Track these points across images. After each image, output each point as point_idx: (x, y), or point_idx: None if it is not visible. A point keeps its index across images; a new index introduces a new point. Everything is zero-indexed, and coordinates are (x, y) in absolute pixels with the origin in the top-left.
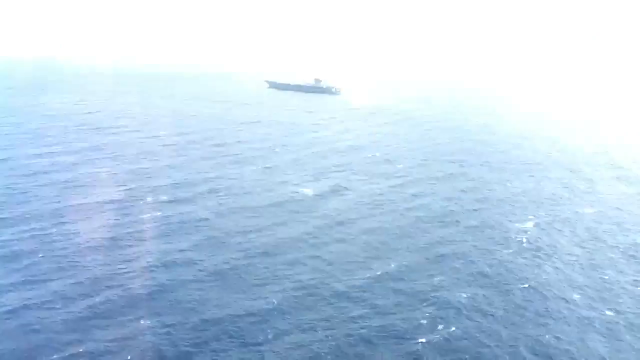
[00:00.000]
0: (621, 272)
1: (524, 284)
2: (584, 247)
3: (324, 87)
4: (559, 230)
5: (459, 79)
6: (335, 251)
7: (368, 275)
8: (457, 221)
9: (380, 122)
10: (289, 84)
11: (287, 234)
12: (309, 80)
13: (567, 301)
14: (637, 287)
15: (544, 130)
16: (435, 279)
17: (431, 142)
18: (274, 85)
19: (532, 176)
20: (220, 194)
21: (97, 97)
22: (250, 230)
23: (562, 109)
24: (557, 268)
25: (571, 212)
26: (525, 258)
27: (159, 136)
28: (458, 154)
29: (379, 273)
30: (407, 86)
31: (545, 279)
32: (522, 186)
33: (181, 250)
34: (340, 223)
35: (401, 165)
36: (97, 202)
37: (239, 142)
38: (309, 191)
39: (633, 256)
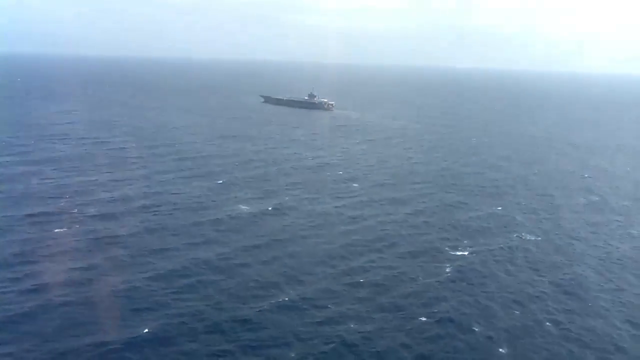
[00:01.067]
0: (541, 302)
1: (431, 317)
2: (515, 277)
3: (317, 102)
4: (496, 260)
5: (455, 91)
6: (241, 276)
7: (261, 305)
8: (391, 245)
9: (362, 139)
10: (282, 99)
11: (199, 256)
12: (303, 96)
13: (465, 333)
14: (555, 325)
15: (525, 152)
16: (332, 309)
17: (405, 162)
18: (269, 100)
19: (497, 200)
20: (153, 210)
21: (88, 106)
22: (162, 250)
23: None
24: (477, 301)
25: (518, 240)
26: (446, 288)
27: (126, 148)
28: (428, 175)
29: (274, 301)
30: (404, 105)
31: (458, 311)
32: (481, 210)
33: (79, 269)
34: (264, 245)
35: (359, 185)
36: (21, 215)
37: (205, 156)
38: (247, 210)
39: (561, 289)
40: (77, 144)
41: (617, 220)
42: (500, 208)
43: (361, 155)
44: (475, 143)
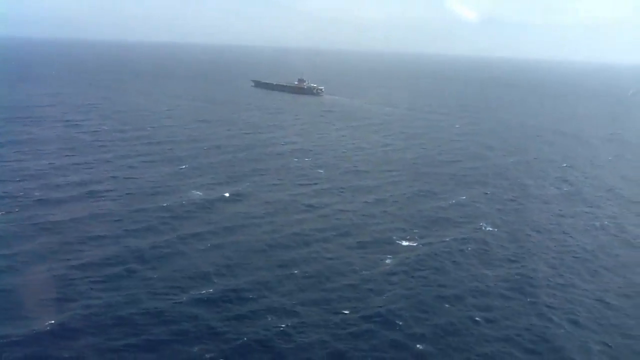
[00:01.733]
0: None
1: (358, 312)
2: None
3: (306, 87)
4: (446, 252)
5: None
6: (172, 265)
7: (182, 297)
8: (340, 235)
9: (344, 125)
10: (272, 84)
11: (135, 243)
12: (293, 81)
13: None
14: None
15: (510, 141)
16: (257, 302)
17: (382, 149)
18: (259, 85)
19: (466, 190)
20: (103, 195)
21: (75, 89)
22: (98, 237)
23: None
24: (412, 296)
25: (476, 232)
26: (384, 281)
27: (98, 132)
28: (401, 163)
29: (197, 293)
30: (398, 91)
31: (389, 306)
32: (446, 200)
33: (3, 256)
34: (206, 233)
35: (325, 172)
36: None
37: (176, 141)
38: (201, 196)
39: (508, 284)
40: (50, 126)
41: (586, 212)
42: (464, 197)
43: (338, 142)
44: (459, 131)
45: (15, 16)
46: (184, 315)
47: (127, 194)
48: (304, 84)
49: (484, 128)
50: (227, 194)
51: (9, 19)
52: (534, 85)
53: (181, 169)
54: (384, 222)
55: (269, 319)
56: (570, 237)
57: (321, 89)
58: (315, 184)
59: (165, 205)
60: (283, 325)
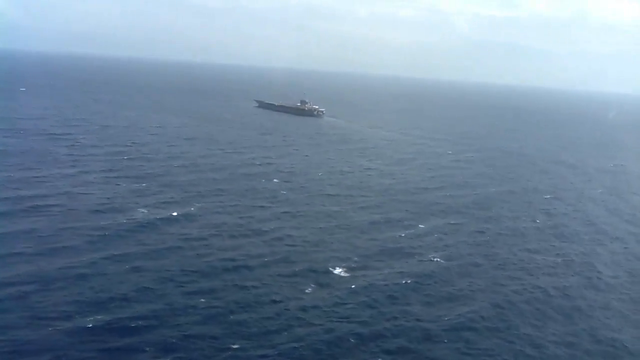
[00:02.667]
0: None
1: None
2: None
3: (306, 109)
4: (375, 286)
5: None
6: (75, 290)
7: (67, 325)
8: (275, 262)
9: (332, 148)
10: (274, 104)
11: (43, 264)
12: (295, 102)
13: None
14: None
15: (503, 170)
16: (155, 331)
17: (361, 173)
18: (262, 105)
19: (433, 220)
20: (43, 211)
21: (73, 103)
22: (10, 255)
23: None
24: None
25: (423, 265)
26: (291, 318)
27: (74, 146)
28: (374, 189)
29: (92, 319)
30: (402, 116)
31: (272, 347)
32: (404, 231)
33: None
34: (124, 255)
35: (288, 195)
36: None
37: (149, 158)
38: (144, 215)
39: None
40: (29, 139)
41: (556, 248)
42: (428, 227)
43: (319, 164)
44: (453, 157)
45: (39, 30)
46: (49, 347)
47: (69, 209)
48: (306, 105)
49: (481, 156)
50: (175, 214)
51: (29, 33)
52: (549, 113)
53: (141, 186)
54: (327, 250)
55: (147, 352)
56: (530, 274)
57: (322, 111)
58: (274, 206)
59: (103, 224)
60: None
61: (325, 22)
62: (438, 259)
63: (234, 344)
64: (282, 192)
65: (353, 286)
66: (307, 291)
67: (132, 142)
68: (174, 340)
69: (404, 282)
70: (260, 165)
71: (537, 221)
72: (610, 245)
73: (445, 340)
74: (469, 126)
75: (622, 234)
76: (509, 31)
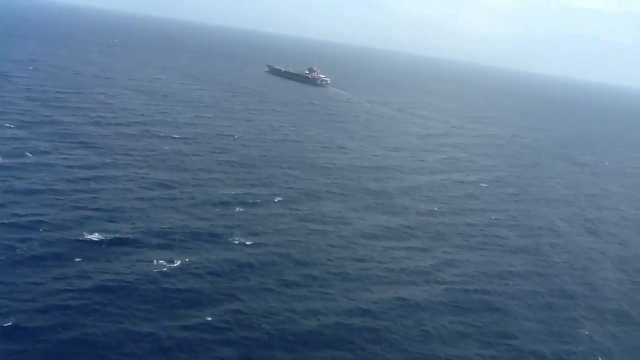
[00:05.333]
0: None
1: None
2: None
3: (311, 77)
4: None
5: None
6: None
7: None
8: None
9: (317, 118)
10: (281, 70)
11: None
12: (302, 70)
13: None
14: None
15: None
16: None
17: (317, 145)
18: (272, 71)
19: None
20: None
21: (74, 53)
22: None
23: None
24: None
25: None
26: None
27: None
28: (298, 161)
29: None
30: (419, 96)
31: None
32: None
33: None
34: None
35: (238, 157)
36: None
37: (129, 118)
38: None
39: None
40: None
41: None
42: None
43: (279, 133)
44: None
45: None
46: None
47: None
48: (313, 74)
49: (485, 148)
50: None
51: None
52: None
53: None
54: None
55: None
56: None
57: (326, 81)
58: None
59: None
60: None
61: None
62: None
63: None
64: (237, 160)
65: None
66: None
67: (83, 90)
68: None
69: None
70: (230, 134)
71: (518, 240)
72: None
73: None
74: (489, 115)
75: None
76: (600, 25)
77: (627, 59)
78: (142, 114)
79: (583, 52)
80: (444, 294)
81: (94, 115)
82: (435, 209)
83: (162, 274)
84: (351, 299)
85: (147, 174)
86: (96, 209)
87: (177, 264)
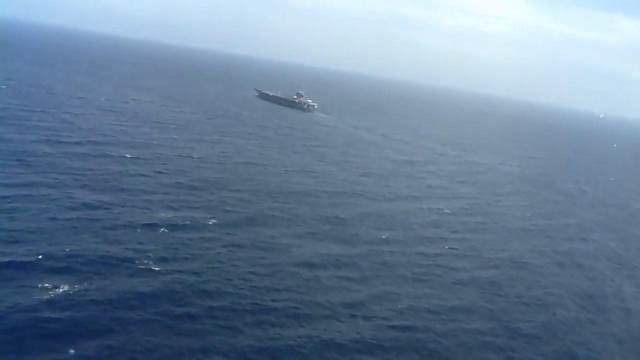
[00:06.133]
0: None
1: None
2: None
3: (297, 102)
4: None
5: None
6: None
7: None
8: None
9: (296, 142)
10: (269, 95)
11: None
12: (291, 95)
13: None
14: None
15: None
16: None
17: (280, 169)
18: (261, 95)
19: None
20: None
21: (54, 74)
22: None
23: None
24: None
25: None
26: None
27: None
28: (252, 183)
29: None
30: (407, 123)
31: None
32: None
33: None
34: None
35: (188, 179)
36: None
37: (91, 138)
38: None
39: None
40: None
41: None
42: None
43: (244, 155)
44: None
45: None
46: None
47: None
48: (301, 98)
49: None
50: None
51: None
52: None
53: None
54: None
55: None
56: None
57: (313, 106)
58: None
59: None
60: None
61: (412, 31)
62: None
63: None
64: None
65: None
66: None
67: (50, 109)
68: None
69: None
70: (191, 158)
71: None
72: None
73: None
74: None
75: None
76: (603, 56)
77: (630, 90)
78: (103, 134)
79: (584, 82)
80: (366, 331)
81: (49, 133)
82: (389, 236)
83: (42, 301)
84: (253, 335)
85: (77, 194)
86: (0, 229)
87: (63, 290)
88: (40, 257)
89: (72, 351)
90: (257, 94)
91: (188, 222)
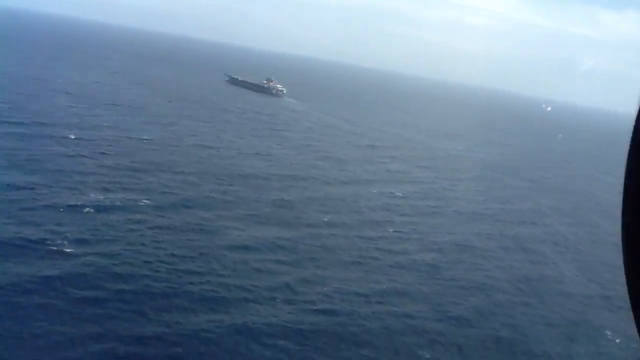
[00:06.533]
0: None
1: None
2: None
3: (266, 87)
4: None
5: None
6: None
7: None
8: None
9: (257, 127)
10: (238, 79)
11: None
12: (261, 80)
13: None
14: None
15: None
16: None
17: (231, 151)
18: (232, 80)
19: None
20: None
21: (47, 60)
22: None
23: None
24: None
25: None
26: None
27: None
28: (194, 164)
29: None
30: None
31: None
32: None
33: None
34: None
35: (131, 160)
36: None
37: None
38: None
39: None
40: None
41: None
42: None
43: (197, 138)
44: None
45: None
46: None
47: None
48: (270, 83)
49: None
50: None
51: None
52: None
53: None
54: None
55: None
56: None
57: (282, 91)
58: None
59: None
60: None
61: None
62: None
63: None
64: (134, 164)
65: None
66: None
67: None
68: None
69: None
70: (149, 141)
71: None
72: None
73: None
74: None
75: None
76: (588, 51)
77: (609, 84)
78: (52, 115)
79: (566, 75)
80: (283, 314)
81: None
82: (332, 219)
83: None
84: (158, 320)
85: (4, 174)
86: None
87: None
88: None
89: None
90: (227, 79)
91: (118, 204)
